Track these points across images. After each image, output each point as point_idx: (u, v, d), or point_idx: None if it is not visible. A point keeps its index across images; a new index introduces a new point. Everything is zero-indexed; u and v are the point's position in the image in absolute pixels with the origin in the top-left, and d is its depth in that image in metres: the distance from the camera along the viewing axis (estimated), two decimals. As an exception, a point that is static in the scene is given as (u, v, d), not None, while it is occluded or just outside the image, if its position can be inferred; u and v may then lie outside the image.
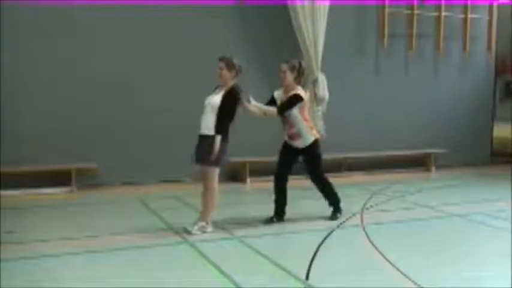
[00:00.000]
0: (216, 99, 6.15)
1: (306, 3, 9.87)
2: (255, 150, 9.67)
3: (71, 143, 8.94)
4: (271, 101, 6.70)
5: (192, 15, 9.52)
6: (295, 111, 6.53)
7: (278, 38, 10.12)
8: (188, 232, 6.19)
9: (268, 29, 10.12)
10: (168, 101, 9.42)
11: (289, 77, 6.54)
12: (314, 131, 6.82)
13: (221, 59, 6.29)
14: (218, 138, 6.04)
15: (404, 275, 4.86)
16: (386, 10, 10.98)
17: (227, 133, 6.17)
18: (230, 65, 6.25)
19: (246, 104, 6.26)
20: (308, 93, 6.68)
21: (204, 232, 6.21)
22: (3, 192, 8.30)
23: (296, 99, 6.50)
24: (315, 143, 6.74)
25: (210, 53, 9.67)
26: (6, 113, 8.56)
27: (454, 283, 4.72)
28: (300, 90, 6.57)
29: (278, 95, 6.72)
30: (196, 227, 6.21)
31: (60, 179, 8.87)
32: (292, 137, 6.68)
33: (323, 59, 10.14)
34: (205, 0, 9.55)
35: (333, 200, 7.03)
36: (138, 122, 9.34)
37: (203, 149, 6.13)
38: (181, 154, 9.62)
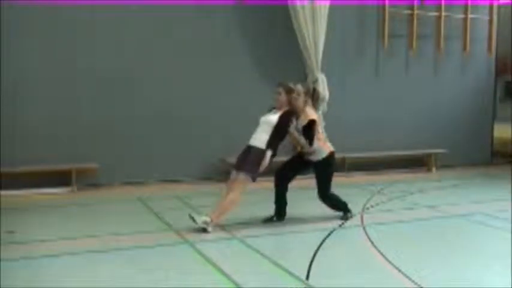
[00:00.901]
0: (273, 118, 6.48)
1: (306, 3, 9.86)
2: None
3: (71, 143, 8.94)
4: None
5: (192, 15, 9.52)
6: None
7: (278, 37, 10.11)
8: (192, 218, 6.20)
9: (268, 29, 10.11)
10: (168, 100, 9.42)
11: (302, 99, 6.62)
12: (329, 145, 6.86)
13: (280, 85, 6.62)
14: (269, 153, 6.35)
15: (405, 275, 4.86)
16: (387, 10, 10.97)
17: (276, 150, 6.46)
18: (289, 91, 6.55)
19: (291, 130, 6.49)
20: (316, 116, 6.78)
21: (205, 230, 6.21)
22: (4, 192, 8.30)
23: (314, 125, 6.58)
24: (329, 157, 6.76)
25: (210, 52, 9.75)
26: (6, 113, 8.55)
27: (454, 283, 4.72)
28: (312, 114, 6.63)
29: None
30: (202, 219, 6.24)
31: (60, 179, 8.86)
32: (307, 154, 6.73)
33: (323, 58, 10.13)
34: (205, 0, 9.54)
35: (341, 208, 7.03)
36: (138, 121, 9.33)
37: (248, 158, 6.38)
38: (182, 154, 9.71)
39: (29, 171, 8.59)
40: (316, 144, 6.65)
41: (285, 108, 6.55)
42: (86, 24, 8.95)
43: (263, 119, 6.58)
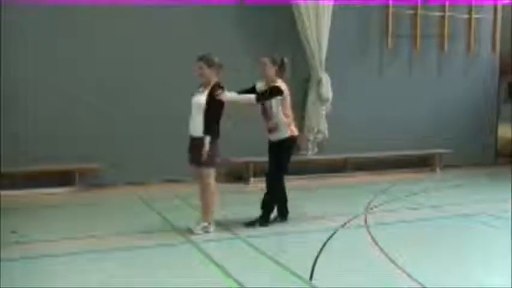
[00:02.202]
0: (201, 99, 6.15)
1: (310, 3, 9.83)
2: (258, 150, 9.61)
3: (74, 143, 8.92)
4: (252, 89, 6.63)
5: (193, 15, 9.49)
6: (275, 104, 6.48)
7: (281, 38, 10.06)
8: (191, 232, 6.17)
9: (271, 28, 10.08)
10: (169, 101, 9.38)
11: (270, 69, 6.50)
12: (292, 128, 6.68)
13: (200, 59, 6.27)
14: (207, 139, 6.03)
15: (408, 275, 4.82)
16: (390, 10, 10.94)
17: (216, 132, 6.16)
18: (210, 63, 6.23)
19: (224, 98, 6.17)
20: (287, 89, 6.64)
21: (207, 232, 6.18)
22: (7, 192, 8.28)
23: (276, 91, 6.43)
24: (290, 139, 6.62)
25: (212, 53, 9.68)
26: (9, 113, 8.55)
27: (457, 283, 4.70)
28: (280, 84, 6.51)
29: (260, 87, 6.64)
30: (198, 227, 6.20)
31: (63, 179, 8.87)
32: (270, 130, 6.63)
33: (327, 59, 10.11)
34: (207, 0, 9.52)
35: (269, 204, 6.70)
36: (140, 121, 9.32)
37: (194, 150, 6.14)
38: (184, 154, 9.63)
39: (32, 172, 8.59)
40: (282, 119, 6.51)
41: (212, 83, 6.17)
42: (87, 25, 8.94)
43: (193, 101, 6.18)
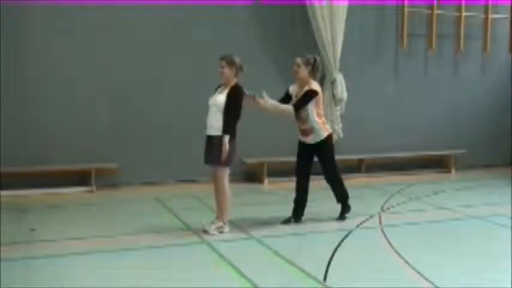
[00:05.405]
0: (220, 98, 6.19)
1: (324, 3, 9.84)
2: (272, 151, 9.67)
3: (90, 143, 9.01)
4: (287, 96, 6.71)
5: (211, 15, 9.52)
6: (309, 106, 6.51)
7: (296, 38, 10.08)
8: (206, 232, 6.21)
9: (286, 28, 10.10)
10: (186, 100, 9.43)
11: (304, 71, 6.54)
12: (327, 126, 6.80)
13: (222, 58, 6.32)
14: (226, 138, 6.07)
15: (422, 276, 4.83)
16: (406, 10, 10.90)
17: (234, 132, 6.20)
18: (231, 63, 6.26)
19: (260, 101, 6.25)
20: (320, 89, 6.66)
21: (222, 232, 6.23)
22: (24, 192, 8.40)
23: (311, 94, 6.48)
24: (328, 138, 6.71)
25: (229, 52, 9.71)
26: (26, 113, 8.67)
27: (472, 284, 4.69)
28: (314, 85, 6.55)
29: (293, 89, 6.71)
30: (213, 227, 6.24)
31: (79, 178, 8.95)
32: (305, 132, 6.66)
33: (341, 59, 10.10)
34: (224, 0, 9.56)
35: (342, 198, 6.97)
36: (157, 122, 9.37)
37: (212, 150, 6.18)
38: (200, 154, 9.69)
39: (49, 171, 8.69)
40: (316, 120, 6.56)
41: (233, 83, 6.24)
42: (105, 25, 9.01)
43: (211, 101, 6.25)
